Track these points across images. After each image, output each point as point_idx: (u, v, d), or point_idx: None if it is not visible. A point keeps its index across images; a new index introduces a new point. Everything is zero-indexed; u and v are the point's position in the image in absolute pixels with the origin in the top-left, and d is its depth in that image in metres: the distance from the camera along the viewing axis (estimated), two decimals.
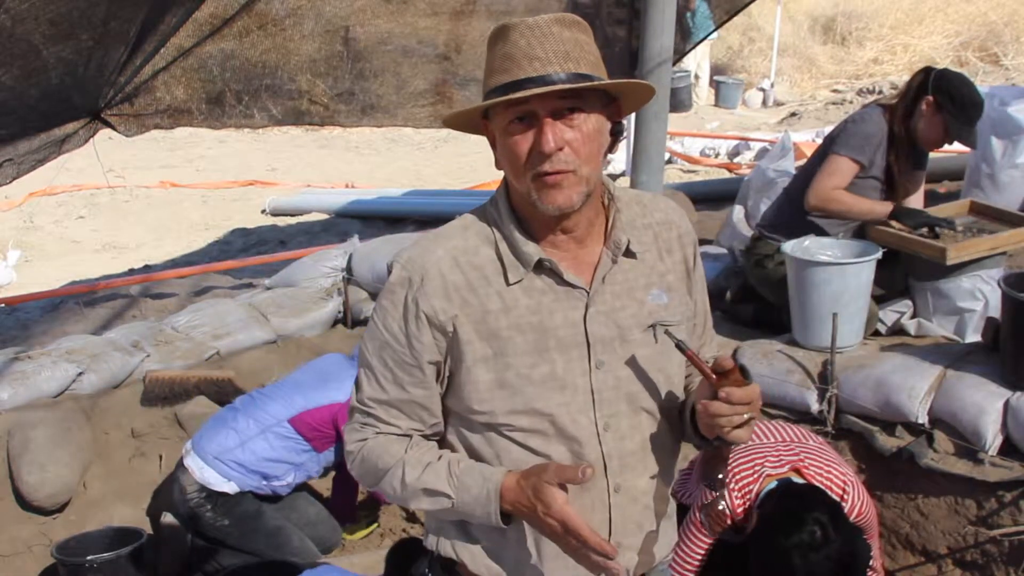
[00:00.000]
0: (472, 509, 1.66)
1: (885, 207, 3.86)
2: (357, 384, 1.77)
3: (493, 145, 1.69)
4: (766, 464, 2.77)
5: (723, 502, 2.67)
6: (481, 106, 1.64)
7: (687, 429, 1.77)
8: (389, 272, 1.74)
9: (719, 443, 1.64)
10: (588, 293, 1.68)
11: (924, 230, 3.83)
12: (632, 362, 1.70)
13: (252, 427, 3.63)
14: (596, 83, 1.58)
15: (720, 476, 1.68)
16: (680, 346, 1.66)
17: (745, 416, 1.58)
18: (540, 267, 1.67)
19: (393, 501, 1.75)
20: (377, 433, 1.73)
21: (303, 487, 3.93)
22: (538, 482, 1.60)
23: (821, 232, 3.97)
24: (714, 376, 1.59)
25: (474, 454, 1.72)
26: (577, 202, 1.61)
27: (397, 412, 1.72)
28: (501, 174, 1.70)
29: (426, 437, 1.76)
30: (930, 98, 3.80)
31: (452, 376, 1.71)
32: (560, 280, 1.68)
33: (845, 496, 2.75)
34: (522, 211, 1.69)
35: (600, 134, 1.63)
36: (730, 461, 2.78)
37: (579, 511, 1.63)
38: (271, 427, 3.62)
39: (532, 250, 1.67)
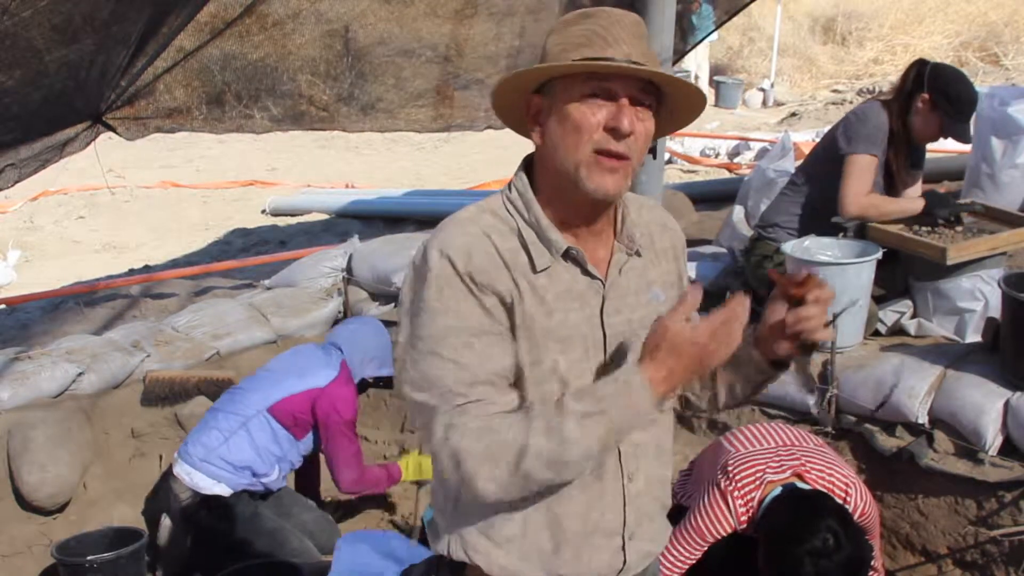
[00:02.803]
0: (630, 416, 1.55)
1: (919, 203, 3.86)
2: (431, 386, 1.59)
3: (533, 120, 1.65)
4: (767, 471, 2.77)
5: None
6: (570, 66, 1.58)
7: (743, 374, 1.78)
8: (415, 266, 1.64)
9: (801, 350, 1.70)
10: (604, 285, 1.69)
11: (926, 229, 3.84)
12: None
13: (233, 422, 3.64)
14: (683, 79, 1.63)
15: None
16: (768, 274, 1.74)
17: (828, 316, 1.67)
18: (567, 255, 1.66)
19: (538, 484, 1.57)
20: (478, 427, 1.55)
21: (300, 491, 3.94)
22: (662, 340, 1.54)
23: (820, 232, 3.96)
24: (796, 285, 1.66)
25: None
26: (621, 193, 1.63)
27: (490, 388, 1.59)
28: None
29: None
30: (925, 95, 3.79)
31: None
32: (583, 270, 1.68)
33: (848, 498, 2.75)
34: (551, 198, 1.66)
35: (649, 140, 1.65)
36: (730, 468, 2.79)
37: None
38: (251, 418, 3.63)
39: (560, 238, 1.65)
